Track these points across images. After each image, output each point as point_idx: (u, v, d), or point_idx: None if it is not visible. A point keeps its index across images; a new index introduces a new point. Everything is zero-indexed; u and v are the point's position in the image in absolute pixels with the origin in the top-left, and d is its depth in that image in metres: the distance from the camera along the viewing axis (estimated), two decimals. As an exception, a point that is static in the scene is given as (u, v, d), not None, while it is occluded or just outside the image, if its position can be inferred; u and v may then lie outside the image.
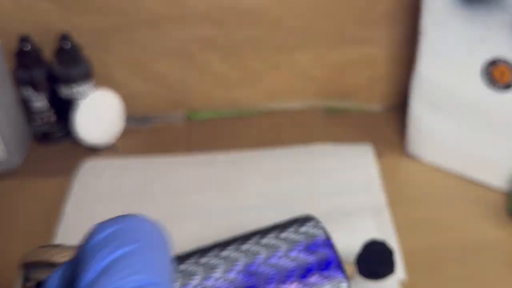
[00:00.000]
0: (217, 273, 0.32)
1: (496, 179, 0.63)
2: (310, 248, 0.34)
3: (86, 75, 0.70)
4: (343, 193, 0.63)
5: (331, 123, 0.77)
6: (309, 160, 0.68)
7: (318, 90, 0.79)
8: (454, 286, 0.54)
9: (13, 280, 0.53)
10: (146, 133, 0.76)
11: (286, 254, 0.34)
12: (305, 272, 0.33)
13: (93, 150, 0.72)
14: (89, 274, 0.20)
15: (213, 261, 0.33)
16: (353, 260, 0.47)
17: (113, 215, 0.66)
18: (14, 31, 0.70)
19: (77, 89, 0.70)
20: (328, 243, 0.35)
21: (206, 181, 0.65)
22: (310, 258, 0.34)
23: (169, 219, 0.59)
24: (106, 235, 0.21)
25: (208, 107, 0.79)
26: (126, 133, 0.75)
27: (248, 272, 0.33)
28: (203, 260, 0.33)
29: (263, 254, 0.34)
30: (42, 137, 0.73)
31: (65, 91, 0.70)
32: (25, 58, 0.68)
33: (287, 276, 0.33)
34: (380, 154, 0.70)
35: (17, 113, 0.70)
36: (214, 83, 0.77)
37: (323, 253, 0.34)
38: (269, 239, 0.34)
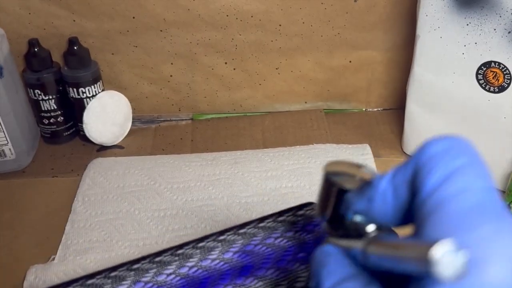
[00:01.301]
0: (213, 255, 0.33)
1: (490, 178, 0.64)
2: (307, 227, 0.35)
3: (94, 77, 0.71)
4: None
5: (330, 124, 0.78)
6: (309, 159, 0.69)
7: (318, 92, 0.80)
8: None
9: (23, 277, 0.54)
10: (152, 133, 0.77)
11: (282, 235, 0.35)
12: (301, 251, 0.34)
13: (101, 150, 0.74)
14: (436, 176, 0.23)
15: (211, 244, 0.34)
16: None
17: (120, 212, 0.68)
18: (23, 35, 0.71)
19: (85, 91, 0.71)
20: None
21: (210, 180, 0.66)
22: (307, 237, 0.35)
23: (174, 215, 0.61)
24: (442, 147, 0.24)
25: (212, 108, 0.80)
26: (133, 133, 0.77)
27: (245, 252, 0.34)
28: (200, 244, 0.34)
29: (260, 235, 0.35)
30: (51, 137, 0.74)
31: (73, 92, 0.71)
32: (34, 61, 0.69)
33: (284, 254, 0.34)
34: (378, 154, 0.71)
35: (26, 114, 0.71)
36: (218, 85, 0.78)
37: (320, 229, 0.35)
38: (266, 223, 0.36)
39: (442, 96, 0.63)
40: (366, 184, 0.26)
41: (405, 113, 0.69)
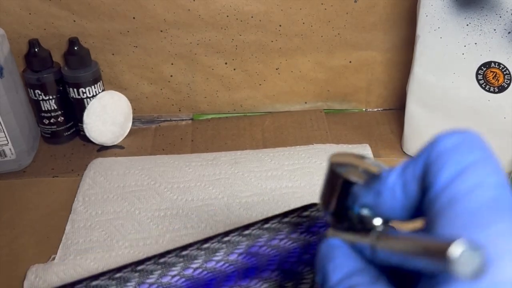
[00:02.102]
0: (218, 257, 0.33)
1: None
2: (312, 229, 0.35)
3: (94, 78, 0.71)
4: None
5: (330, 124, 0.78)
6: (309, 159, 0.69)
7: (318, 92, 0.80)
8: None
9: (23, 277, 0.54)
10: (152, 133, 0.77)
11: (287, 236, 0.35)
12: (306, 251, 0.34)
13: (101, 150, 0.74)
14: (448, 172, 0.22)
15: (215, 245, 0.34)
16: None
17: (120, 212, 0.68)
18: (24, 35, 0.71)
19: (85, 91, 0.71)
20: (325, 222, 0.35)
21: (210, 179, 0.66)
22: (312, 238, 0.34)
23: (174, 215, 0.61)
24: (454, 142, 0.23)
25: (212, 108, 0.80)
26: (133, 133, 0.77)
27: (250, 254, 0.33)
28: (205, 245, 0.34)
29: (265, 237, 0.34)
30: (51, 137, 0.74)
31: (73, 93, 0.71)
32: (35, 61, 0.69)
33: (287, 257, 0.34)
34: (378, 153, 0.71)
35: (26, 114, 0.71)
36: (218, 85, 0.78)
37: (325, 231, 0.35)
38: (271, 224, 0.35)
39: (442, 96, 0.64)
40: (374, 178, 0.26)
41: (405, 113, 0.69)
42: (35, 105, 0.72)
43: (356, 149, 0.71)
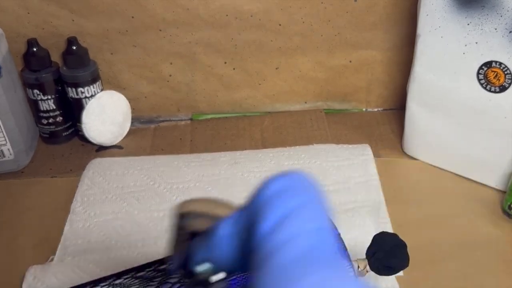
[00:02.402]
0: None
1: (491, 178, 0.64)
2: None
3: (93, 77, 0.71)
4: (342, 191, 0.64)
5: (331, 124, 0.78)
6: (309, 159, 0.69)
7: (318, 92, 0.80)
8: (450, 283, 0.54)
9: (22, 277, 0.54)
10: (151, 133, 0.77)
11: None
12: None
13: (100, 150, 0.74)
14: (268, 221, 0.22)
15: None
16: (364, 255, 0.44)
17: (119, 212, 0.68)
18: (22, 34, 0.71)
19: (84, 91, 0.71)
20: (334, 234, 0.34)
21: (209, 180, 0.65)
22: None
23: (173, 215, 0.60)
24: (279, 188, 0.23)
25: (211, 108, 0.80)
26: (132, 133, 0.76)
27: None
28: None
29: None
30: (50, 137, 0.74)
31: (72, 92, 0.71)
32: (33, 60, 0.69)
33: None
34: (378, 153, 0.71)
35: (25, 114, 0.71)
36: (217, 85, 0.78)
37: None
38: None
39: (443, 96, 0.63)
40: (209, 230, 0.25)
41: (405, 113, 0.69)
42: (34, 105, 0.72)
43: (356, 149, 0.71)
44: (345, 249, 0.35)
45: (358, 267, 0.42)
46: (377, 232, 0.45)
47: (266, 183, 0.23)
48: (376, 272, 0.42)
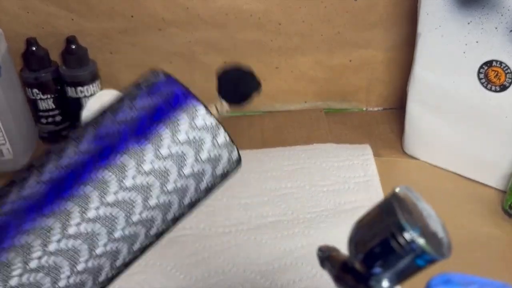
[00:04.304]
0: (69, 150, 0.32)
1: (491, 178, 0.64)
2: (152, 92, 0.33)
3: (92, 77, 0.71)
4: (342, 191, 0.64)
5: (331, 124, 0.78)
6: (309, 159, 0.69)
7: (318, 92, 0.80)
8: (450, 282, 0.55)
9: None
10: (150, 133, 0.77)
11: (130, 107, 0.33)
12: (155, 114, 0.32)
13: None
14: None
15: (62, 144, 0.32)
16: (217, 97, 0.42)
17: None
18: (21, 34, 0.71)
19: (83, 90, 0.71)
20: (170, 80, 0.33)
21: (209, 180, 0.66)
22: (155, 100, 0.33)
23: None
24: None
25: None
26: (131, 133, 0.76)
27: (99, 137, 0.32)
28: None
29: (110, 114, 0.33)
30: (49, 137, 0.74)
31: (71, 92, 0.71)
32: (32, 60, 0.69)
33: (138, 125, 0.32)
34: (378, 153, 0.71)
35: (24, 113, 0.71)
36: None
37: (167, 90, 0.33)
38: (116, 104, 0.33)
39: (443, 95, 0.63)
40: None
41: (405, 113, 0.69)
42: (33, 104, 0.72)
43: (356, 149, 0.70)
44: (183, 88, 0.35)
45: (217, 109, 0.42)
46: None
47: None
48: (236, 105, 0.42)
